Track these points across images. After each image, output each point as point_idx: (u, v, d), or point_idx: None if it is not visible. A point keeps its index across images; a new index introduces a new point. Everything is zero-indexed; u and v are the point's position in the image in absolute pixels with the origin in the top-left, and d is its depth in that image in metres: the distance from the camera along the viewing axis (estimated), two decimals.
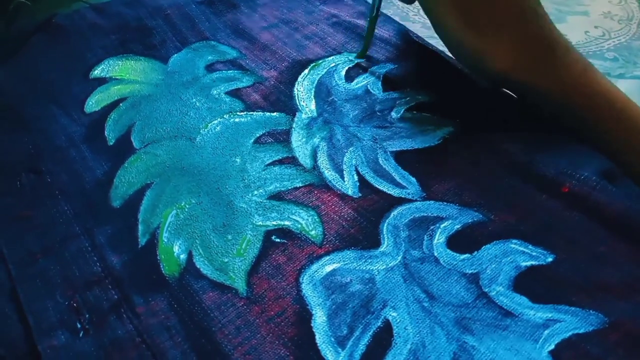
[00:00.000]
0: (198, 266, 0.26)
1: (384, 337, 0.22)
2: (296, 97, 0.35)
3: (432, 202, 0.28)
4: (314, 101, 0.34)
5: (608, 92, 0.29)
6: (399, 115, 0.33)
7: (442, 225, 0.27)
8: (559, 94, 0.29)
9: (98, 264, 0.26)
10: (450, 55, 0.33)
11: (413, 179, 0.29)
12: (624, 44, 0.46)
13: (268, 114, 0.34)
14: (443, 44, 0.32)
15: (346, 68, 0.37)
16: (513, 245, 0.25)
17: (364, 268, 0.25)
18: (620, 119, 0.29)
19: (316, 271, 0.25)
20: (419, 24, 0.48)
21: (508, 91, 0.33)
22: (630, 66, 0.44)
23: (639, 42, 0.47)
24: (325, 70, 0.37)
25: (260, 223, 0.27)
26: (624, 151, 0.29)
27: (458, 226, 0.26)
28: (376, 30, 0.39)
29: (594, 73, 0.29)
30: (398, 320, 0.23)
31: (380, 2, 0.35)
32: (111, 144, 0.32)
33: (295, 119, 0.33)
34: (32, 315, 0.23)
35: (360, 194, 0.29)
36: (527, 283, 0.24)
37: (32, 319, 0.23)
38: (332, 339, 0.23)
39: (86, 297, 0.24)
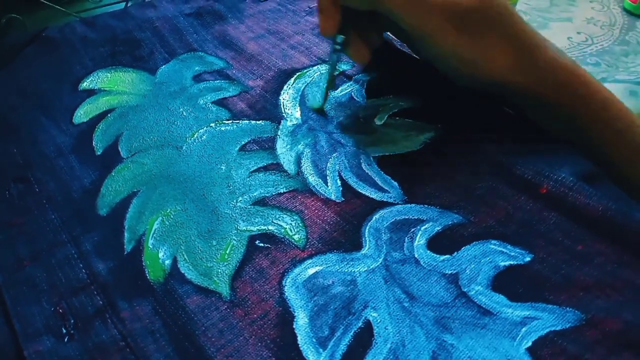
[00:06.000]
0: (182, 271, 0.26)
1: (364, 337, 0.23)
2: (281, 106, 0.35)
3: (413, 205, 0.28)
4: (299, 109, 0.35)
5: (599, 92, 0.29)
6: (382, 121, 0.33)
7: (422, 228, 0.27)
8: (552, 94, 0.29)
9: (84, 270, 0.26)
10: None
11: (395, 183, 0.29)
12: (606, 49, 0.47)
13: (254, 122, 0.34)
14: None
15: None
16: (492, 246, 0.26)
17: (346, 270, 0.26)
18: (610, 119, 0.29)
19: (299, 274, 0.26)
20: None
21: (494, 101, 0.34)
22: (612, 70, 0.45)
23: (620, 47, 0.47)
24: (310, 79, 0.37)
25: (245, 228, 0.28)
26: (612, 152, 0.29)
27: (438, 228, 0.27)
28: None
29: (583, 71, 0.30)
30: (378, 321, 0.23)
31: (338, 60, 0.34)
32: (99, 153, 0.32)
33: (280, 127, 0.34)
34: (18, 321, 0.24)
35: (343, 199, 0.29)
36: (506, 282, 0.24)
37: (18, 324, 0.24)
38: (314, 340, 0.23)
39: (72, 303, 0.25)
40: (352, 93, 0.36)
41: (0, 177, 0.30)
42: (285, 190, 0.30)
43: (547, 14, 0.53)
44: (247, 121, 0.34)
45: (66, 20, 0.47)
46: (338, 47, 0.33)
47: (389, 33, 0.38)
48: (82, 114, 0.35)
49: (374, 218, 0.28)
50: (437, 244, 0.26)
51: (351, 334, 0.23)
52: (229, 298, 0.25)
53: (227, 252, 0.27)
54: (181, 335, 0.23)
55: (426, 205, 0.28)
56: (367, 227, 0.27)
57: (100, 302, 0.25)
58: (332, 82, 0.35)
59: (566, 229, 0.26)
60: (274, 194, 0.30)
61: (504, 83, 0.29)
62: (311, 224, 0.28)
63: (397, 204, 0.28)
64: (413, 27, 0.29)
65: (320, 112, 0.35)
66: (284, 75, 0.38)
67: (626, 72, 0.45)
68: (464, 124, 0.32)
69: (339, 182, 0.30)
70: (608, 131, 0.29)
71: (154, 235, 0.27)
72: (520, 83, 0.29)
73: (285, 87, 0.37)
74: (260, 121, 0.34)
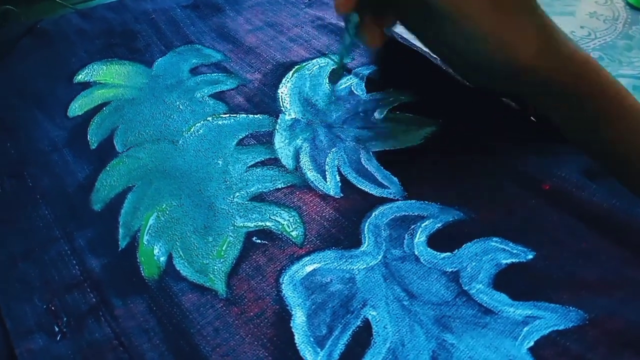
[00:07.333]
0: (178, 268, 0.25)
1: (363, 337, 0.22)
2: (280, 99, 0.35)
3: (413, 201, 0.28)
4: (297, 103, 0.34)
5: (613, 84, 0.29)
6: (382, 115, 0.33)
7: (423, 224, 0.26)
8: (571, 82, 0.28)
9: (77, 267, 0.26)
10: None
11: (395, 179, 0.29)
12: (610, 43, 0.47)
13: (251, 116, 0.34)
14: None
15: (330, 70, 0.37)
16: (494, 243, 0.25)
17: (345, 268, 0.25)
18: (623, 110, 0.29)
19: (296, 271, 0.25)
20: None
21: (505, 97, 0.33)
22: (616, 65, 0.44)
23: (624, 41, 0.47)
24: (309, 72, 0.37)
25: (242, 224, 0.27)
26: (619, 145, 0.29)
27: (439, 225, 0.26)
28: None
29: (598, 64, 0.29)
30: (377, 319, 0.23)
31: (351, 45, 0.33)
32: (93, 147, 0.32)
33: (279, 121, 0.33)
34: (9, 319, 0.23)
35: (342, 194, 0.29)
36: (507, 280, 0.24)
37: (10, 322, 0.23)
38: (311, 339, 0.22)
39: (65, 300, 0.24)
40: (352, 87, 0.35)
41: None
42: (283, 186, 0.29)
43: (550, 8, 0.52)
44: (244, 115, 0.34)
45: (62, 12, 0.47)
46: (352, 28, 0.31)
47: (393, 30, 0.37)
48: (77, 108, 0.34)
49: (373, 214, 0.27)
50: (438, 241, 0.26)
51: (349, 333, 0.23)
52: (225, 296, 0.24)
53: (224, 248, 0.26)
54: (176, 334, 0.23)
55: (427, 202, 0.28)
56: (367, 224, 0.27)
57: (94, 300, 0.24)
58: (343, 68, 0.34)
59: (569, 226, 0.26)
60: (271, 189, 0.29)
61: (526, 69, 0.28)
62: (309, 220, 0.27)
63: (397, 200, 0.28)
64: (450, 7, 0.28)
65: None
66: (283, 69, 0.37)
67: (630, 67, 0.44)
68: (464, 119, 0.32)
69: (337, 177, 0.29)
70: (619, 123, 0.29)
71: (149, 231, 0.27)
72: (542, 68, 0.28)
73: (283, 81, 0.36)
74: (258, 115, 0.34)
